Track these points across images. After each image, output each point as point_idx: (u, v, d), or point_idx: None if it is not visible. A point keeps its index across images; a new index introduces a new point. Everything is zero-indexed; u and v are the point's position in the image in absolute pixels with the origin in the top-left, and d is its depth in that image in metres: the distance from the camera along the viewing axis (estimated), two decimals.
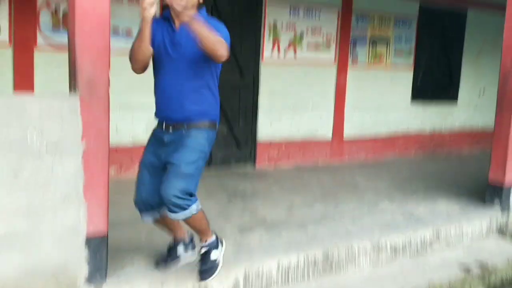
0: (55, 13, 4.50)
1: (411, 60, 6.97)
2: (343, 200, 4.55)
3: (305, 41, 5.99)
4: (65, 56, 4.45)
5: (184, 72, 2.61)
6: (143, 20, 2.47)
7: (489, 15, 7.53)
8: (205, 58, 2.54)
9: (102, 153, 2.55)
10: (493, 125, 4.60)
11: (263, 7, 5.66)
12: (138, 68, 2.63)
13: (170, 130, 2.68)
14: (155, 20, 2.55)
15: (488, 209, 4.45)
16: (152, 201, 2.74)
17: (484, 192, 4.60)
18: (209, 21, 2.56)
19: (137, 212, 2.85)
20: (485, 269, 3.59)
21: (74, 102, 2.47)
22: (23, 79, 4.38)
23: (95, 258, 2.58)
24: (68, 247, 2.52)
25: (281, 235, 3.51)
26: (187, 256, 2.96)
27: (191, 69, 2.61)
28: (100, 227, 2.60)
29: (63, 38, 4.51)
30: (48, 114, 2.42)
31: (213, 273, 2.79)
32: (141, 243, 3.24)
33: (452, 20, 7.24)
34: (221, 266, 2.83)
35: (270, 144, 5.95)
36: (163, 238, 3.07)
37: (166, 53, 2.62)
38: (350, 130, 6.51)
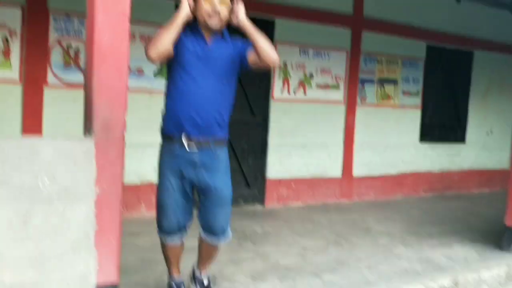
0: (67, 51, 4.48)
1: (419, 100, 6.95)
2: (356, 244, 4.40)
3: (314, 80, 5.98)
4: (75, 94, 4.47)
5: (215, 85, 2.61)
6: (181, 11, 2.50)
7: (495, 55, 7.57)
8: (233, 72, 2.66)
9: (115, 199, 2.44)
10: (505, 165, 4.51)
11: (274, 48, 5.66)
12: (156, 53, 2.49)
13: (195, 148, 2.61)
14: (183, 33, 2.57)
15: (506, 254, 4.31)
16: (183, 221, 2.74)
17: (499, 236, 4.48)
18: (232, 41, 2.69)
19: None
20: None
21: (88, 146, 2.37)
22: (32, 116, 4.32)
23: None
24: None
25: (296, 284, 3.35)
26: None
27: (221, 83, 2.63)
28: (111, 276, 2.46)
29: (74, 76, 4.49)
30: (61, 158, 2.32)
31: None
32: None
33: (459, 60, 7.27)
34: None
35: (280, 182, 5.85)
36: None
37: (197, 66, 2.59)
38: (359, 168, 6.42)
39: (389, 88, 6.64)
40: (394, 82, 6.69)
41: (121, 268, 2.79)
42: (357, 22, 6.21)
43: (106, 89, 2.40)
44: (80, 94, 4.27)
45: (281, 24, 5.65)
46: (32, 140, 2.39)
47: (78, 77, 4.47)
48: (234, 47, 2.68)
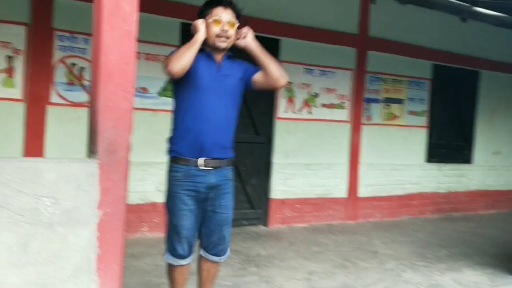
0: (71, 70, 4.45)
1: (425, 120, 6.90)
2: (363, 268, 4.29)
3: (319, 100, 5.94)
4: (78, 114, 4.43)
5: (228, 105, 2.66)
6: (198, 35, 2.56)
7: (502, 75, 7.54)
8: (240, 92, 2.71)
9: (119, 222, 2.36)
10: None
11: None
12: (179, 68, 2.48)
13: (211, 169, 2.61)
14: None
15: None
16: (194, 243, 2.73)
17: (510, 259, 4.37)
18: (238, 62, 2.74)
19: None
20: None
21: (92, 168, 2.30)
22: (34, 135, 4.27)
23: None
24: None
25: None
26: None
27: (233, 103, 2.69)
28: None
29: (77, 95, 4.46)
30: (64, 181, 2.24)
31: None
32: None
33: (465, 80, 7.24)
34: None
35: (284, 203, 5.76)
36: None
37: (212, 88, 2.61)
38: (364, 189, 6.34)
39: (395, 108, 6.60)
40: (400, 101, 6.64)
41: None
42: (362, 42, 6.19)
43: (112, 109, 2.34)
44: (83, 113, 4.25)
45: (286, 44, 5.64)
46: (34, 162, 2.32)
47: (82, 96, 4.44)
48: (240, 68, 2.74)
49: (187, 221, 2.65)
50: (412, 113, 6.76)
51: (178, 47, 2.80)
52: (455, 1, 6.39)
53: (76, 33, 4.42)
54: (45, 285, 2.22)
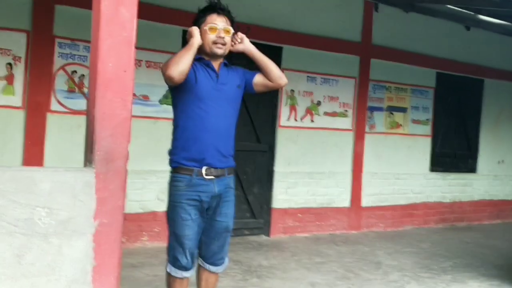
0: (71, 77, 4.41)
1: (429, 128, 6.84)
2: (367, 280, 4.21)
3: (322, 108, 5.89)
4: (78, 121, 4.38)
5: (227, 113, 2.66)
6: (194, 40, 2.55)
7: (506, 83, 7.49)
8: (239, 98, 2.71)
9: (116, 233, 2.30)
10: None
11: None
12: (177, 72, 2.45)
13: (213, 178, 2.60)
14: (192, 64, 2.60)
15: None
16: (196, 252, 2.71)
17: None
18: (234, 69, 2.75)
19: None
20: None
21: (89, 177, 2.25)
22: (34, 143, 4.23)
23: None
24: None
25: None
26: None
27: (232, 110, 2.68)
28: None
29: (78, 103, 4.42)
30: (60, 190, 2.19)
31: None
32: None
33: (469, 88, 7.18)
34: None
35: (286, 212, 5.69)
36: None
37: (212, 96, 2.61)
38: (368, 198, 6.27)
39: (398, 116, 6.54)
40: (403, 110, 6.59)
41: None
42: (365, 50, 6.16)
43: (109, 118, 2.29)
44: (84, 121, 4.17)
45: (288, 51, 5.60)
46: (29, 171, 2.28)
47: (82, 104, 4.40)
48: (237, 75, 2.75)
49: (190, 231, 2.61)
50: (415, 121, 6.70)
51: None
52: (459, 9, 6.36)
53: (77, 40, 4.40)
54: None
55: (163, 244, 3.00)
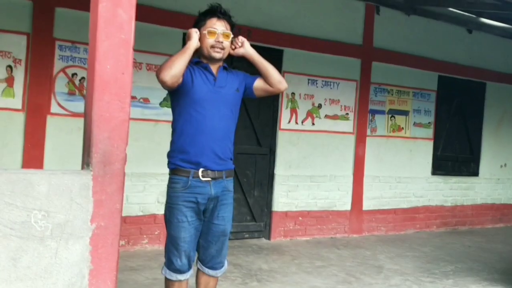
0: (72, 80, 4.41)
1: (431, 132, 6.81)
2: (368, 284, 4.18)
3: (323, 111, 5.87)
4: (79, 124, 4.36)
5: (225, 116, 2.65)
6: (190, 43, 2.54)
7: (508, 86, 7.45)
8: (238, 102, 2.71)
9: (113, 236, 2.28)
10: None
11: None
12: (170, 76, 2.46)
13: (210, 180, 2.59)
14: (190, 67, 2.61)
15: None
16: (193, 257, 2.69)
17: None
18: (234, 72, 2.76)
19: None
20: None
21: (86, 180, 2.23)
22: (33, 146, 4.22)
23: None
24: None
25: None
26: None
27: (230, 113, 2.67)
28: None
29: (78, 106, 4.41)
30: (56, 193, 2.18)
31: None
32: None
33: (471, 91, 7.15)
34: None
35: (286, 216, 5.67)
36: None
37: (210, 99, 2.61)
38: (369, 202, 6.24)
39: (400, 119, 6.51)
40: (405, 113, 6.56)
41: None
42: (367, 53, 6.14)
43: (107, 120, 2.28)
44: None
45: (289, 54, 5.59)
46: (25, 174, 2.26)
47: (83, 107, 4.35)
48: (237, 78, 2.75)
49: (186, 234, 2.61)
50: (417, 124, 6.67)
51: None
52: (461, 12, 6.34)
53: (77, 43, 4.39)
54: None
55: (163, 247, 2.98)
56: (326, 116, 5.90)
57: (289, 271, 4.42)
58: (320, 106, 5.85)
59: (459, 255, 5.45)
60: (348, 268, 4.64)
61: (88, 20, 2.24)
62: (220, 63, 2.70)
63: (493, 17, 6.36)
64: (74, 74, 4.41)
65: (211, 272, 2.73)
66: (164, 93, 4.74)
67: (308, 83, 5.76)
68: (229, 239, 2.84)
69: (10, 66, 4.13)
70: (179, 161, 2.62)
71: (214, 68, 2.67)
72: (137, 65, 4.62)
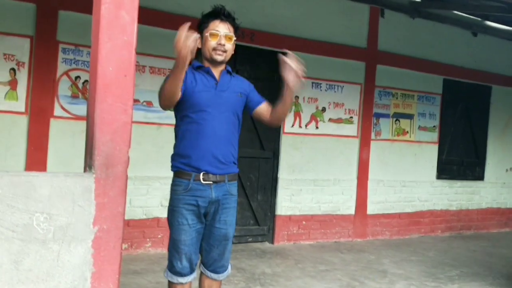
0: (75, 83, 4.41)
1: (435, 135, 6.77)
2: None
3: (327, 114, 5.84)
4: (82, 127, 4.35)
5: (228, 120, 2.63)
6: (179, 60, 2.37)
7: None
8: (241, 105, 2.67)
9: (115, 239, 2.27)
10: None
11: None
12: (168, 106, 2.59)
13: (212, 184, 2.57)
14: (191, 71, 2.60)
15: None
16: (195, 260, 2.67)
17: None
18: (238, 78, 2.75)
19: None
20: None
21: (88, 182, 2.22)
22: (37, 149, 4.21)
23: None
24: None
25: None
26: None
27: (234, 116, 2.65)
28: None
29: (81, 109, 4.40)
30: (59, 196, 2.16)
31: None
32: None
33: (476, 94, 7.11)
34: None
35: (290, 220, 5.64)
36: None
37: (212, 103, 2.59)
38: (373, 206, 6.20)
39: (405, 123, 6.48)
40: (410, 117, 6.53)
41: None
42: (371, 56, 6.11)
43: (109, 122, 2.26)
44: None
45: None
46: (27, 176, 2.25)
47: (86, 110, 4.38)
48: (241, 84, 2.73)
49: (187, 236, 2.60)
50: (422, 128, 6.64)
51: None
52: (466, 15, 6.31)
53: (81, 46, 4.39)
54: None
55: (166, 250, 2.97)
56: (330, 120, 5.88)
57: (293, 275, 4.39)
58: (324, 109, 5.83)
59: (464, 259, 5.41)
60: (352, 272, 4.60)
61: (92, 23, 2.24)
62: (223, 67, 2.67)
63: (498, 20, 6.33)
64: (77, 77, 4.41)
65: (213, 275, 2.72)
66: None
67: (312, 86, 5.74)
68: (233, 243, 2.82)
69: (13, 69, 4.13)
70: (181, 164, 2.61)
71: (216, 71, 2.65)
72: (140, 68, 4.62)
